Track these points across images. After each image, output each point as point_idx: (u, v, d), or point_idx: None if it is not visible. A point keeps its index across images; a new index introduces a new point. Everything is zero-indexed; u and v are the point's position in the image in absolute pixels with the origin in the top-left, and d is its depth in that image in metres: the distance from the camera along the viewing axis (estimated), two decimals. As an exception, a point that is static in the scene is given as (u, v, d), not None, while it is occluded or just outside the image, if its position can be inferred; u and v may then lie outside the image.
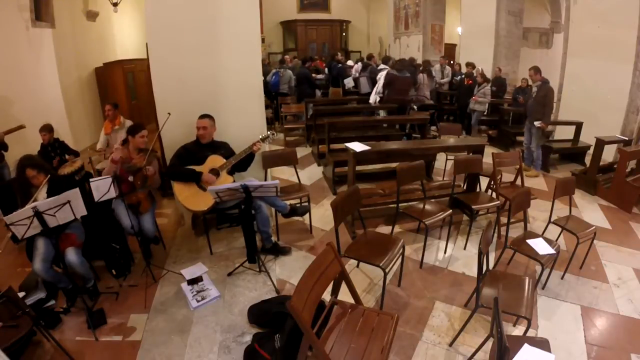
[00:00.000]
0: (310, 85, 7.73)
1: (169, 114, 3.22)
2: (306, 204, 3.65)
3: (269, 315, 2.51)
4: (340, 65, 9.14)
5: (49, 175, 2.68)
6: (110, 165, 2.93)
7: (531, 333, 2.27)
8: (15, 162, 2.77)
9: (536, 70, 5.24)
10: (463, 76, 8.09)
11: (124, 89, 7.53)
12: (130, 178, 3.01)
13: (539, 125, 5.23)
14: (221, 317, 2.67)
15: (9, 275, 3.14)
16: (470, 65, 7.81)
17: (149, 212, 3.14)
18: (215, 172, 3.20)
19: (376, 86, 6.67)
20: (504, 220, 3.41)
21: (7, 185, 3.37)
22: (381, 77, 6.57)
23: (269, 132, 3.47)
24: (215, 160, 3.23)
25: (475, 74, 7.38)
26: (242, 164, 3.37)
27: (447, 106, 8.64)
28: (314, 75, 8.43)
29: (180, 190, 3.17)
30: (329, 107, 7.10)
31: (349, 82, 8.47)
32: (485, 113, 7.33)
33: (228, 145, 3.41)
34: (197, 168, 3.17)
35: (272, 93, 8.15)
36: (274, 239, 3.45)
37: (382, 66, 7.05)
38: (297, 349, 1.83)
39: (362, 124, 6.43)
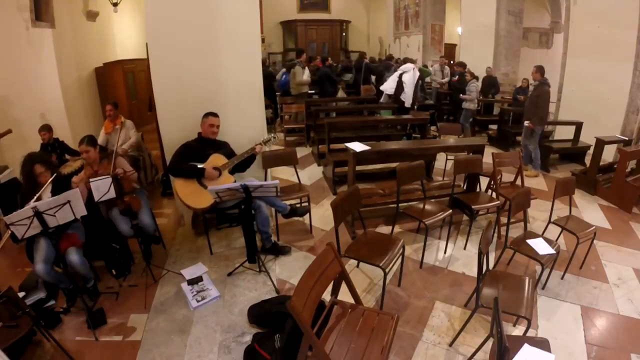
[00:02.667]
0: (331, 83, 7.78)
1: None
2: (306, 204, 3.65)
3: (269, 315, 2.51)
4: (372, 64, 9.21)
5: (55, 174, 2.69)
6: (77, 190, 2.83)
7: (531, 333, 2.27)
8: (21, 159, 2.77)
9: (538, 69, 5.28)
10: (456, 76, 8.11)
11: (124, 89, 7.53)
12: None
13: (527, 124, 5.37)
14: (221, 317, 2.67)
15: (9, 275, 3.15)
16: (460, 65, 7.83)
17: (144, 208, 3.12)
18: (217, 170, 3.20)
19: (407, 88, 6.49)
20: (504, 220, 3.41)
21: (6, 185, 3.37)
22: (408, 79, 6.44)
23: (271, 135, 3.47)
24: (217, 159, 3.23)
25: (465, 73, 7.41)
26: (243, 165, 3.37)
27: (447, 106, 8.65)
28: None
29: (181, 187, 3.16)
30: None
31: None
32: (474, 111, 7.29)
33: (228, 144, 3.42)
34: (199, 165, 3.17)
35: (273, 93, 8.16)
36: (273, 238, 3.45)
37: (406, 66, 6.72)
38: (297, 349, 1.82)
39: (362, 124, 6.43)
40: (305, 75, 7.61)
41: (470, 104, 7.02)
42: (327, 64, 8.63)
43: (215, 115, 3.28)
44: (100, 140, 4.51)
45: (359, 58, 9.60)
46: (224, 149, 3.35)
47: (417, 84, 6.48)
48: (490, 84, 8.05)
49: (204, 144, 3.28)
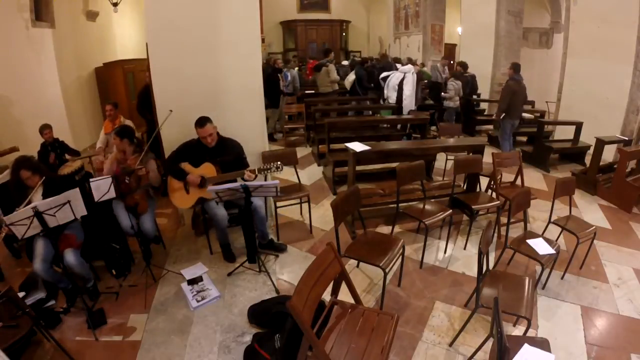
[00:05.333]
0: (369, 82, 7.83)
1: (171, 111, 3.23)
2: (286, 246, 3.51)
3: (269, 315, 2.51)
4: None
5: (44, 177, 2.68)
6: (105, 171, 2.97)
7: (531, 333, 2.27)
8: (11, 164, 2.77)
9: (511, 66, 5.67)
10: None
11: (124, 89, 7.53)
12: (127, 179, 2.99)
13: (494, 117, 5.85)
14: (221, 317, 2.67)
15: (9, 276, 3.15)
16: (461, 64, 7.84)
17: (148, 213, 3.13)
18: (204, 181, 3.11)
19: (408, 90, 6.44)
20: (504, 220, 3.41)
21: (6, 185, 3.37)
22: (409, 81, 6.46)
23: (273, 165, 3.05)
24: (208, 169, 3.15)
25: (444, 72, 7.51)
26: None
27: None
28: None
29: (171, 183, 3.25)
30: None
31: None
32: (456, 109, 7.36)
33: (237, 146, 3.28)
34: (192, 170, 3.16)
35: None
36: (272, 236, 3.46)
37: (407, 67, 6.73)
38: (297, 349, 1.83)
39: (362, 124, 6.43)
40: (336, 74, 7.74)
41: (450, 102, 7.14)
42: (366, 65, 8.65)
43: (202, 124, 3.04)
44: (100, 140, 4.51)
45: (382, 57, 8.69)
46: (227, 154, 3.21)
47: (416, 88, 6.50)
48: (465, 84, 7.80)
49: (204, 148, 3.18)
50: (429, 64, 10.56)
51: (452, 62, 10.36)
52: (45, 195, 2.58)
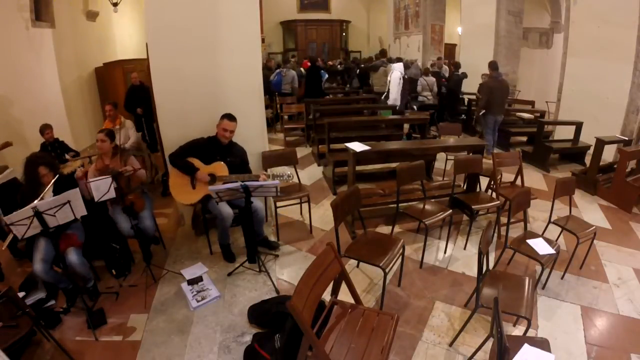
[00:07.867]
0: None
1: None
2: (280, 243, 3.58)
3: (269, 315, 2.51)
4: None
5: (57, 175, 2.69)
6: (80, 183, 2.85)
7: (531, 333, 2.27)
8: (24, 160, 2.75)
9: (489, 64, 5.92)
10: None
11: (124, 89, 7.54)
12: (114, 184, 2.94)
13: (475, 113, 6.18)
14: (221, 317, 2.67)
15: (9, 276, 3.15)
16: (454, 65, 7.91)
17: (146, 210, 3.13)
18: (214, 178, 3.14)
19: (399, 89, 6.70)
20: (504, 220, 3.41)
21: (6, 185, 3.37)
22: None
23: (285, 173, 3.18)
24: (219, 168, 3.17)
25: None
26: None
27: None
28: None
29: (174, 176, 3.20)
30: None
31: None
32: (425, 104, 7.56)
33: (243, 151, 3.36)
34: (201, 166, 3.16)
35: (273, 93, 8.17)
36: (267, 235, 3.47)
37: (394, 65, 6.99)
38: (297, 349, 1.83)
39: (362, 124, 6.43)
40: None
41: (420, 98, 7.49)
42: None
43: (230, 119, 3.19)
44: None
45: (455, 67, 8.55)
46: (235, 157, 3.27)
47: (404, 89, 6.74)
48: (458, 82, 7.86)
49: (214, 147, 3.22)
50: (429, 64, 10.56)
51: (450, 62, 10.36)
52: (56, 194, 2.58)
